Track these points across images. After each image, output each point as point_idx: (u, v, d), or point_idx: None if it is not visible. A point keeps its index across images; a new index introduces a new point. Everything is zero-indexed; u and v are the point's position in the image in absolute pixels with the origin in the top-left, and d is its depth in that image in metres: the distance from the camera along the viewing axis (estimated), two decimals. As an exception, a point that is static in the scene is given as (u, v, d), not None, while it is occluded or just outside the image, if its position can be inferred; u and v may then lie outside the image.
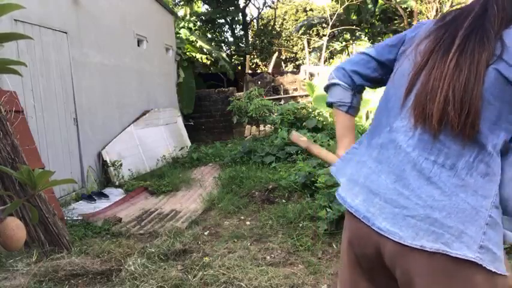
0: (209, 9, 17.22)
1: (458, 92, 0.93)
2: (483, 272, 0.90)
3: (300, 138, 1.51)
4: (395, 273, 1.01)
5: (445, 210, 0.92)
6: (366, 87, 1.32)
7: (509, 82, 0.91)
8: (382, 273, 1.06)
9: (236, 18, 17.72)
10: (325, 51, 15.99)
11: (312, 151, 1.47)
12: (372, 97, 8.76)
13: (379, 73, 1.24)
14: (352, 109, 1.31)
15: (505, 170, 0.94)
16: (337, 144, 1.36)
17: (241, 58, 17.11)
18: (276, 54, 16.23)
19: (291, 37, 21.93)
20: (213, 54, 13.54)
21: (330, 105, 1.34)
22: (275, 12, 20.79)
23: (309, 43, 18.58)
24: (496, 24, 0.96)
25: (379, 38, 17.49)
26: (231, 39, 19.25)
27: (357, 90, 1.30)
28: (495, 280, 0.91)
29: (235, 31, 19.29)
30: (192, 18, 15.75)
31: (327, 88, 1.34)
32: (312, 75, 12.68)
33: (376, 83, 1.28)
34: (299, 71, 13.51)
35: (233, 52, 18.19)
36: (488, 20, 0.97)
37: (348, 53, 17.78)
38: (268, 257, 3.22)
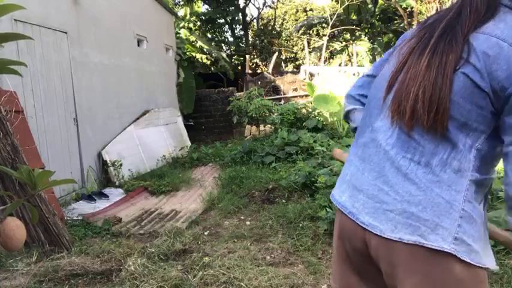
0: (209, 9, 17.21)
1: (427, 91, 0.97)
2: (459, 263, 0.95)
3: (342, 154, 1.56)
4: (380, 265, 1.06)
5: (421, 204, 0.98)
6: None
7: (477, 85, 0.93)
8: (370, 266, 1.11)
9: (236, 18, 17.71)
10: (325, 51, 15.98)
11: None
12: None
13: None
14: None
15: (507, 173, 0.96)
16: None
17: (241, 58, 17.11)
18: (276, 54, 16.22)
19: (291, 37, 21.92)
20: (213, 54, 13.55)
21: (354, 129, 1.35)
22: (275, 12, 20.78)
23: (309, 43, 18.57)
24: (466, 26, 0.98)
25: (379, 38, 17.49)
26: (231, 39, 19.25)
27: None
28: (472, 270, 0.96)
29: (235, 31, 19.29)
30: (192, 18, 15.76)
31: (346, 117, 1.39)
32: (312, 75, 12.68)
33: None
34: (299, 71, 13.51)
35: (233, 52, 18.19)
36: (460, 22, 1.00)
37: (348, 53, 17.78)
38: (268, 257, 3.22)
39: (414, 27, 1.18)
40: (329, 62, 18.01)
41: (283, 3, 23.11)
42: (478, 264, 0.96)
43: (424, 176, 0.99)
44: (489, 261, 1.00)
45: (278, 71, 16.01)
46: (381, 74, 1.17)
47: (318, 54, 17.61)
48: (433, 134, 0.99)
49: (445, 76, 0.96)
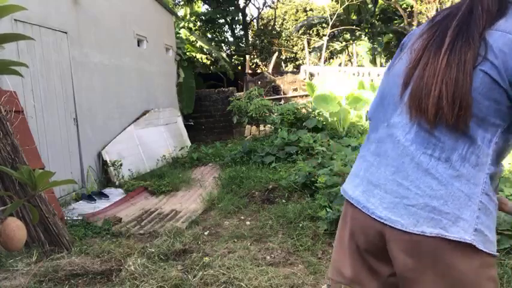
0: (209, 9, 17.21)
1: (450, 87, 0.99)
2: (477, 252, 1.00)
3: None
4: (398, 257, 1.08)
5: (442, 198, 1.02)
6: None
7: (495, 81, 0.97)
8: (380, 259, 1.15)
9: (236, 18, 17.71)
10: (325, 51, 15.98)
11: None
12: (372, 97, 8.76)
13: None
14: None
15: None
16: None
17: (241, 58, 17.11)
18: (276, 54, 16.22)
19: (291, 37, 21.92)
20: (213, 54, 13.55)
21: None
22: (275, 12, 20.78)
23: (309, 43, 18.57)
24: (481, 24, 1.01)
25: (379, 38, 17.49)
26: (231, 39, 19.24)
27: None
28: (486, 259, 1.01)
29: (235, 31, 19.28)
30: (192, 18, 15.76)
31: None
32: (312, 75, 12.68)
33: None
34: (299, 71, 13.50)
35: (233, 52, 18.19)
36: (473, 20, 1.03)
37: (348, 53, 17.78)
38: (268, 257, 3.22)
39: (419, 25, 1.19)
40: (329, 62, 18.02)
41: (283, 3, 23.10)
42: (491, 253, 1.01)
43: (445, 171, 1.03)
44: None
45: (278, 71, 16.01)
46: (393, 70, 1.18)
47: (318, 54, 17.60)
48: (454, 131, 1.02)
49: (466, 73, 0.98)
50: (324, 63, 15.46)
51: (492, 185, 1.05)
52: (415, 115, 1.06)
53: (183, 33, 12.84)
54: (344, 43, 18.13)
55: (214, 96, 12.32)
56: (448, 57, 1.01)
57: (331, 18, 15.66)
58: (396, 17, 17.58)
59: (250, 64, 17.67)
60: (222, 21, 17.95)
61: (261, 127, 10.04)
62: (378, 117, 1.19)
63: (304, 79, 12.62)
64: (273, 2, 20.70)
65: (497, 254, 1.05)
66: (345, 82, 9.68)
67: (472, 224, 1.00)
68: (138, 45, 8.26)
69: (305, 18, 21.15)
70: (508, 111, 1.00)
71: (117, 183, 6.21)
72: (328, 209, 3.70)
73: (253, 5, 49.34)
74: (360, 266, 1.20)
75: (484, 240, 1.01)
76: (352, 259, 1.21)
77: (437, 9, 14.67)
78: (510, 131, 1.03)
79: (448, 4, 15.41)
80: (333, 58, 18.99)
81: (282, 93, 12.78)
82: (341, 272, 1.25)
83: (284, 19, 22.93)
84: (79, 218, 4.42)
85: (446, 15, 1.10)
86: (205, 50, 13.34)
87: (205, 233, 3.98)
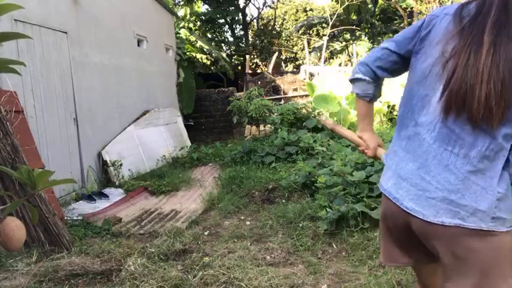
0: (209, 9, 17.21)
1: (497, 87, 1.01)
2: (497, 234, 1.11)
3: (326, 120, 1.96)
4: (422, 239, 1.24)
5: (459, 192, 1.12)
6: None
7: None
8: (407, 238, 1.31)
9: (236, 18, 17.71)
10: (325, 51, 15.98)
11: (337, 132, 1.76)
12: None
13: (400, 64, 1.36)
14: (374, 98, 1.48)
15: None
16: (358, 125, 1.58)
17: (241, 58, 17.10)
18: (276, 54, 16.22)
19: (291, 37, 21.91)
20: (213, 54, 13.54)
21: (357, 95, 1.49)
22: (275, 12, 20.78)
23: (309, 43, 18.57)
24: None
25: (379, 38, 17.48)
26: (231, 39, 19.24)
27: (379, 82, 1.44)
28: (503, 237, 1.12)
29: (235, 31, 19.28)
30: (192, 18, 15.76)
31: (352, 81, 1.47)
32: (312, 75, 12.68)
33: (396, 72, 1.41)
34: (299, 71, 13.50)
35: (233, 52, 18.19)
36: (509, 20, 1.02)
37: (348, 53, 17.78)
38: (268, 257, 3.22)
39: (447, 17, 1.16)
40: (329, 62, 18.01)
41: (283, 3, 23.10)
42: (508, 229, 1.11)
43: (462, 166, 1.12)
44: None
45: (278, 71, 16.01)
46: (421, 69, 1.20)
47: (318, 54, 17.60)
48: (476, 128, 1.08)
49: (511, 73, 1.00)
50: (324, 63, 15.46)
51: (509, 173, 1.12)
52: (453, 115, 1.10)
53: (183, 33, 12.84)
54: (344, 43, 18.13)
55: (214, 96, 12.32)
56: (493, 57, 1.01)
57: (331, 18, 15.66)
58: (396, 17, 17.58)
59: (250, 64, 17.67)
60: (222, 21, 17.95)
61: (261, 127, 10.03)
62: (407, 115, 1.27)
63: (304, 79, 12.62)
64: (273, 2, 20.70)
65: None
66: (345, 82, 9.67)
67: (490, 214, 1.10)
68: (138, 45, 8.25)
69: (305, 18, 21.15)
70: None
71: (117, 183, 6.21)
72: (328, 209, 3.70)
73: (253, 5, 49.37)
74: (393, 247, 1.38)
75: (503, 223, 1.11)
76: (387, 242, 1.40)
77: (437, 9, 14.64)
78: None
79: (449, 4, 15.39)
80: (333, 58, 18.98)
81: (282, 93, 12.78)
82: (382, 255, 1.44)
83: (284, 19, 22.92)
84: (79, 218, 4.42)
85: (477, 13, 1.08)
86: (205, 50, 13.34)
87: (205, 233, 3.98)
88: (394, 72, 1.39)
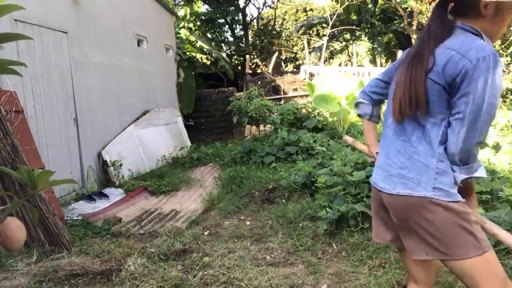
0: (209, 9, 17.21)
1: (406, 93, 1.48)
2: (441, 203, 1.43)
3: (346, 138, 2.44)
4: (390, 211, 1.60)
5: (407, 168, 1.50)
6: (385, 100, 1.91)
7: (438, 84, 1.42)
8: (386, 212, 1.66)
9: (236, 18, 17.70)
10: (325, 51, 15.98)
11: (356, 147, 2.28)
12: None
13: (388, 89, 1.78)
14: (373, 117, 1.89)
15: (448, 137, 1.42)
16: (366, 139, 1.97)
17: (241, 58, 17.10)
18: (276, 54, 16.21)
19: (291, 37, 21.91)
20: (213, 54, 13.54)
21: (359, 115, 1.93)
22: (275, 12, 20.77)
23: (309, 43, 18.57)
24: (428, 47, 1.46)
25: (379, 38, 17.48)
26: (231, 39, 19.24)
27: (375, 103, 1.87)
28: (451, 205, 1.42)
29: (235, 31, 19.28)
30: (192, 18, 15.75)
31: (356, 105, 1.93)
32: (312, 75, 12.67)
33: (386, 96, 1.84)
34: (299, 71, 13.50)
35: (233, 52, 18.19)
36: (423, 45, 1.49)
37: (348, 53, 17.77)
38: (268, 257, 3.22)
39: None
40: (329, 62, 18.02)
41: (283, 3, 23.10)
42: (454, 200, 1.42)
43: (408, 149, 1.51)
44: (479, 173, 1.44)
45: (278, 71, 16.00)
46: (393, 82, 1.64)
47: (318, 54, 17.60)
48: (412, 121, 1.50)
49: (419, 80, 1.44)
50: (324, 63, 15.46)
51: (446, 153, 1.43)
52: (393, 115, 1.57)
53: (183, 33, 12.83)
54: (344, 43, 18.13)
55: (214, 96, 12.32)
56: (406, 73, 1.50)
57: (331, 18, 15.66)
58: (396, 17, 17.55)
59: (250, 64, 17.67)
60: (222, 21, 17.95)
61: (261, 127, 10.03)
62: (384, 123, 1.69)
63: (304, 79, 12.61)
64: (273, 2, 20.70)
65: (462, 199, 1.44)
66: (345, 82, 9.66)
67: (431, 184, 1.43)
68: (138, 45, 8.25)
69: (305, 18, 21.15)
70: (448, 103, 1.42)
71: (117, 183, 6.21)
72: (328, 209, 3.70)
73: (253, 5, 49.39)
74: (379, 225, 1.72)
75: (447, 195, 1.42)
76: (375, 221, 1.75)
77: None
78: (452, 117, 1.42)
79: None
80: (333, 58, 18.98)
81: (282, 93, 12.77)
82: (374, 233, 1.78)
83: (284, 19, 22.91)
84: (79, 218, 4.42)
85: (413, 47, 1.57)
86: (205, 50, 13.33)
87: (205, 233, 3.98)
88: (384, 95, 1.82)
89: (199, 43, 13.11)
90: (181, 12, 15.51)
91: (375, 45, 17.06)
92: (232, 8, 16.87)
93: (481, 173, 1.44)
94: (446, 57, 1.39)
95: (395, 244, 1.71)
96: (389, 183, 1.54)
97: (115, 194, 5.76)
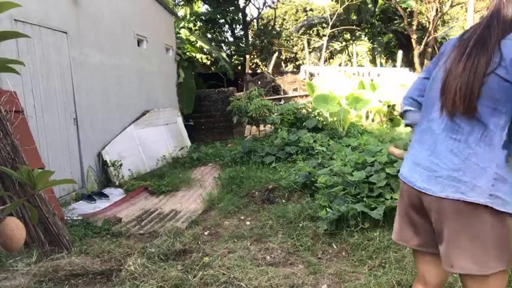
0: (209, 9, 17.20)
1: (463, 87, 1.32)
2: (494, 213, 1.31)
3: (392, 149, 2.22)
4: (431, 215, 1.45)
5: (461, 170, 1.35)
6: None
7: (507, 81, 1.28)
8: (422, 218, 1.53)
9: (236, 18, 17.70)
10: (325, 51, 15.98)
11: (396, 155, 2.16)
12: (372, 97, 8.76)
13: None
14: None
15: None
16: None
17: (241, 58, 17.10)
18: (276, 54, 16.21)
19: (291, 37, 21.92)
20: (213, 54, 13.54)
21: (408, 125, 1.77)
22: (275, 12, 20.78)
23: (309, 43, 18.58)
24: (495, 35, 1.30)
25: (379, 38, 17.48)
26: (231, 39, 19.24)
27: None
28: (504, 217, 1.32)
29: (235, 31, 19.28)
30: (192, 18, 15.74)
31: (403, 114, 1.77)
32: (312, 75, 12.67)
33: None
34: (299, 71, 13.50)
35: (233, 52, 18.18)
36: (489, 32, 1.32)
37: (348, 53, 17.78)
38: (268, 257, 3.22)
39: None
40: (329, 62, 18.02)
41: (283, 3, 23.10)
42: (506, 211, 1.31)
43: (464, 150, 1.36)
44: None
45: (278, 71, 16.01)
46: (433, 77, 1.51)
47: (318, 54, 17.60)
48: (469, 119, 1.34)
49: (478, 74, 1.29)
50: (324, 63, 15.46)
51: (508, 160, 1.32)
52: (444, 110, 1.40)
53: (183, 33, 12.83)
54: (344, 43, 18.14)
55: (214, 96, 12.32)
56: (465, 64, 1.33)
57: (331, 18, 15.67)
58: (396, 17, 17.56)
59: (250, 64, 17.68)
60: (222, 21, 17.94)
61: (261, 127, 10.03)
62: (423, 114, 1.55)
63: (304, 79, 12.62)
64: (273, 2, 20.70)
65: None
66: (345, 82, 9.66)
67: (487, 191, 1.31)
68: (138, 45, 8.25)
69: (305, 18, 21.15)
70: None
71: (117, 183, 6.21)
72: (328, 209, 3.70)
73: (253, 5, 49.38)
74: (407, 227, 1.59)
75: (503, 204, 1.31)
76: (402, 222, 1.61)
77: (437, 10, 14.66)
78: None
79: (448, 4, 15.42)
80: (333, 58, 18.99)
81: (282, 93, 12.77)
82: (395, 233, 1.65)
83: (284, 19, 22.92)
84: (79, 218, 4.41)
85: (472, 31, 1.39)
86: (205, 50, 13.33)
87: (205, 233, 3.98)
88: None
89: (199, 43, 13.10)
90: (181, 12, 15.51)
91: (375, 45, 17.07)
92: (232, 8, 16.87)
93: None
94: None
95: (422, 249, 1.59)
96: (436, 185, 1.39)
97: (115, 194, 5.76)
